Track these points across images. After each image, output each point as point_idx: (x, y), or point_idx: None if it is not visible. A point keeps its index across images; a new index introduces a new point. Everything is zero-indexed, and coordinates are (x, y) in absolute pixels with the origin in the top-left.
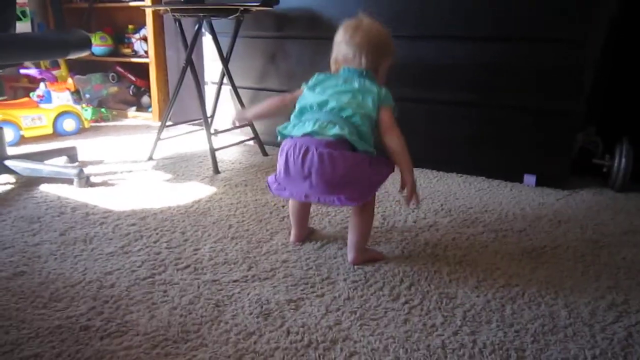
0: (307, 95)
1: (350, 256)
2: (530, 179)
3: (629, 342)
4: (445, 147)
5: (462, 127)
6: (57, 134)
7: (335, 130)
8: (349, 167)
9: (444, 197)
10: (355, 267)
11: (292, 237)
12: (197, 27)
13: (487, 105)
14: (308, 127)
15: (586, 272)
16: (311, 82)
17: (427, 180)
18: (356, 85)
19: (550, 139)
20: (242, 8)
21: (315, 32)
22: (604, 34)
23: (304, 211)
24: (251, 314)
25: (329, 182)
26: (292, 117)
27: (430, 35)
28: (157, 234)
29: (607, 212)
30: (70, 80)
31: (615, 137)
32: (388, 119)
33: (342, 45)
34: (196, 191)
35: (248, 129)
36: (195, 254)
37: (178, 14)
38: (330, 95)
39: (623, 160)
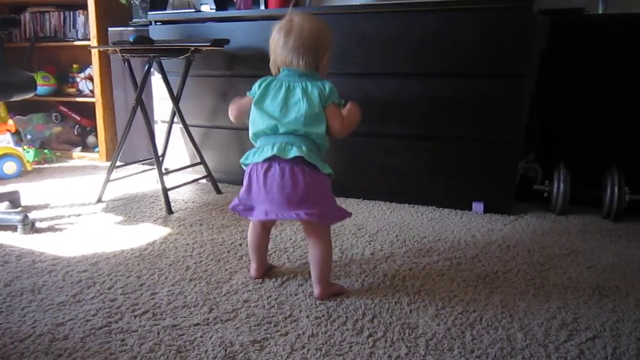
0: (256, 118)
1: (315, 291)
2: (478, 207)
3: None
4: (397, 179)
5: (411, 160)
6: None
7: (294, 152)
8: (309, 183)
9: (399, 228)
10: (318, 302)
11: (252, 272)
12: (146, 67)
13: (434, 137)
14: (268, 152)
15: (537, 294)
16: (257, 94)
17: (381, 212)
18: (299, 92)
19: (495, 167)
20: (192, 48)
21: (265, 71)
22: (537, 66)
23: (262, 244)
24: (215, 358)
25: (288, 197)
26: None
27: (376, 72)
28: (111, 279)
29: (551, 235)
30: (10, 121)
31: (552, 163)
32: (332, 116)
33: (277, 50)
34: (150, 233)
35: (201, 167)
36: (153, 299)
37: (128, 55)
38: (278, 113)
39: (561, 185)
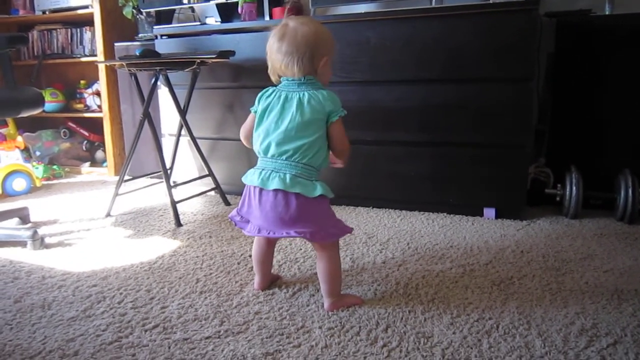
0: (255, 136)
1: (325, 304)
2: (489, 212)
3: None
4: (406, 186)
5: (420, 167)
6: (6, 194)
7: (275, 184)
8: (302, 204)
9: (410, 235)
10: (330, 313)
11: (255, 285)
12: (153, 80)
13: (443, 143)
14: (255, 179)
15: (554, 300)
16: (258, 111)
17: (391, 220)
18: (294, 103)
19: (505, 173)
20: (198, 60)
21: (271, 82)
22: (544, 69)
23: (266, 258)
24: None
25: (281, 216)
26: None
27: (383, 80)
28: (121, 293)
29: (565, 239)
30: (19, 138)
31: (563, 166)
32: (337, 133)
33: (272, 56)
34: (159, 246)
35: (209, 179)
36: (163, 312)
37: (134, 69)
38: (273, 127)
39: (574, 188)
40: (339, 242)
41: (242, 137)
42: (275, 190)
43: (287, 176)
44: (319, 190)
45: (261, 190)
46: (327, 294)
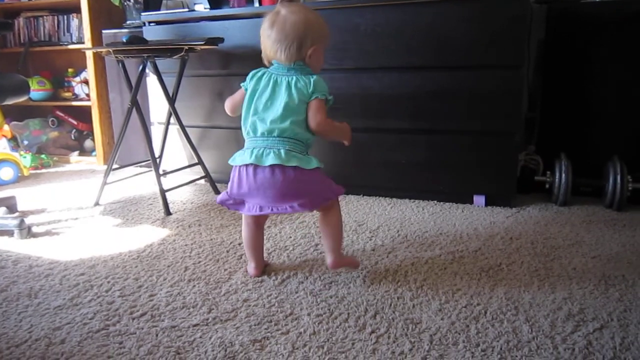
0: (244, 115)
1: (328, 260)
2: (479, 200)
3: (590, 350)
4: (396, 174)
5: (411, 154)
6: None
7: (270, 159)
8: (299, 177)
9: (399, 223)
10: (318, 300)
11: (251, 271)
12: (141, 67)
13: (433, 131)
14: (247, 158)
15: (542, 286)
16: (249, 88)
17: (382, 207)
18: (284, 86)
19: (495, 160)
20: (186, 47)
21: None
22: (535, 56)
23: (258, 241)
24: (215, 358)
25: (281, 191)
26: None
27: (373, 67)
28: (108, 282)
29: (554, 226)
30: (6, 127)
31: (553, 154)
32: (313, 110)
33: (264, 42)
34: (148, 234)
35: (198, 168)
36: (151, 300)
37: (121, 56)
38: (262, 108)
39: (563, 176)
40: (338, 201)
41: (227, 108)
42: (272, 166)
43: (282, 151)
44: (314, 162)
45: (255, 167)
46: (331, 250)
